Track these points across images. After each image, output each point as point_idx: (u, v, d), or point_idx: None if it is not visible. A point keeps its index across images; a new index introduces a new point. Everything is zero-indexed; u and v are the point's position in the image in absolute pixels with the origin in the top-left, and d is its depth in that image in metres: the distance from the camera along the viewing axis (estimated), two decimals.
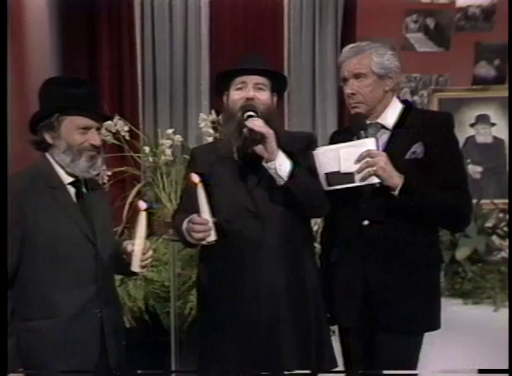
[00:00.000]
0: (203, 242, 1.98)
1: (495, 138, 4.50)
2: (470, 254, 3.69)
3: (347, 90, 2.16)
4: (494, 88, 4.56)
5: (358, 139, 2.12)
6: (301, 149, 2.12)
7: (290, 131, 2.62)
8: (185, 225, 2.05)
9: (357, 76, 2.14)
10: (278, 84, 2.19)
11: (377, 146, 2.03)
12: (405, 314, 2.09)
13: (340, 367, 2.20)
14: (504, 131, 4.48)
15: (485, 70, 4.58)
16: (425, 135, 2.09)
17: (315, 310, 2.12)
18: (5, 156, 1.84)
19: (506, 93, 4.33)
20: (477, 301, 3.56)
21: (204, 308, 2.19)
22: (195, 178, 1.95)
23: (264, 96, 2.11)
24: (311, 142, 2.20)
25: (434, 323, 2.18)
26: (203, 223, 1.94)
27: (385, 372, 2.10)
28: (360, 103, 2.15)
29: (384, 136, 2.16)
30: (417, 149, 2.08)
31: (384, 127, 2.17)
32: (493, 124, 4.53)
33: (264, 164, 2.01)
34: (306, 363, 2.05)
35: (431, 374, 1.95)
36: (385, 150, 2.08)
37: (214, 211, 1.96)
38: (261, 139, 1.96)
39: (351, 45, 2.19)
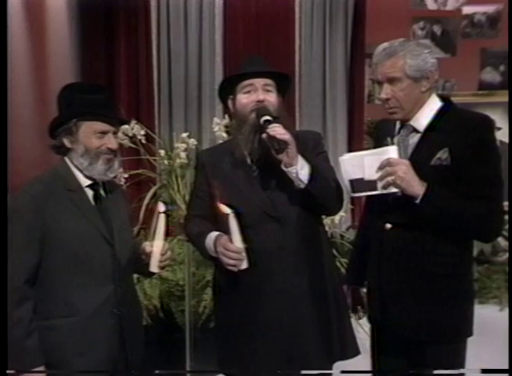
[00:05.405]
0: (235, 269, 1.95)
1: (501, 142, 4.43)
2: (477, 255, 3.71)
3: (382, 95, 2.02)
4: (499, 94, 4.62)
5: (385, 145, 2.03)
6: (311, 149, 2.10)
7: (298, 132, 2.67)
8: (209, 241, 2.04)
9: (391, 80, 1.98)
10: (283, 85, 2.14)
11: (399, 154, 1.96)
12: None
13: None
14: None
15: (491, 75, 4.65)
16: (455, 140, 1.93)
17: (336, 306, 2.14)
18: (5, 157, 1.89)
19: None
20: (483, 300, 3.59)
21: (224, 310, 2.17)
22: (225, 209, 1.91)
23: (272, 98, 2.06)
24: (318, 142, 2.20)
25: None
26: (237, 252, 1.92)
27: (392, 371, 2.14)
28: (396, 108, 2.01)
29: (414, 140, 2.03)
30: (443, 155, 1.93)
31: (415, 129, 2.03)
32: (499, 129, 4.51)
33: (284, 168, 1.95)
34: (330, 357, 2.09)
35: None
36: (412, 155, 2.01)
37: (246, 239, 1.94)
38: (283, 146, 1.91)
39: (384, 46, 2.01)
